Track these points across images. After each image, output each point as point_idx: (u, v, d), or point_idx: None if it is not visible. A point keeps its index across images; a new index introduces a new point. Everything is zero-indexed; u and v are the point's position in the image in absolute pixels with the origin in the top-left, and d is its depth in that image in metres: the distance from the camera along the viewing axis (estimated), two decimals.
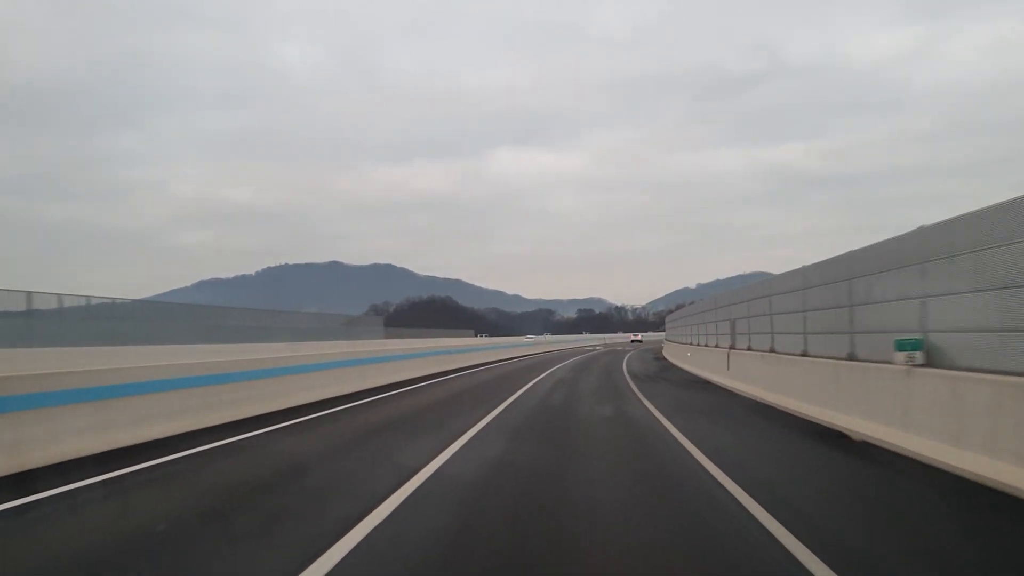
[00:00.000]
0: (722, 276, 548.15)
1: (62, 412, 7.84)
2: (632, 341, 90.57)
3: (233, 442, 9.30)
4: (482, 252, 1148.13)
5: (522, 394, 16.70)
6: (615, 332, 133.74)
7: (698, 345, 27.97)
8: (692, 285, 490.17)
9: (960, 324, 7.49)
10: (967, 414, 6.71)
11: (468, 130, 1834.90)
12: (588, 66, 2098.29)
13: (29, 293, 16.03)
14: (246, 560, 4.52)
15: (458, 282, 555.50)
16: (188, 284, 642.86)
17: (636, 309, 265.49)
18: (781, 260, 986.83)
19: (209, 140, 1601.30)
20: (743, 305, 18.59)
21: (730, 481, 6.42)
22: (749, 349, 17.52)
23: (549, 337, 74.68)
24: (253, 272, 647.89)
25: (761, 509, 5.37)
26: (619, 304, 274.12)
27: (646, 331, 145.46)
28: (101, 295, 25.03)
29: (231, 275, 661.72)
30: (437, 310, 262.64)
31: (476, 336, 79.38)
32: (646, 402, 14.53)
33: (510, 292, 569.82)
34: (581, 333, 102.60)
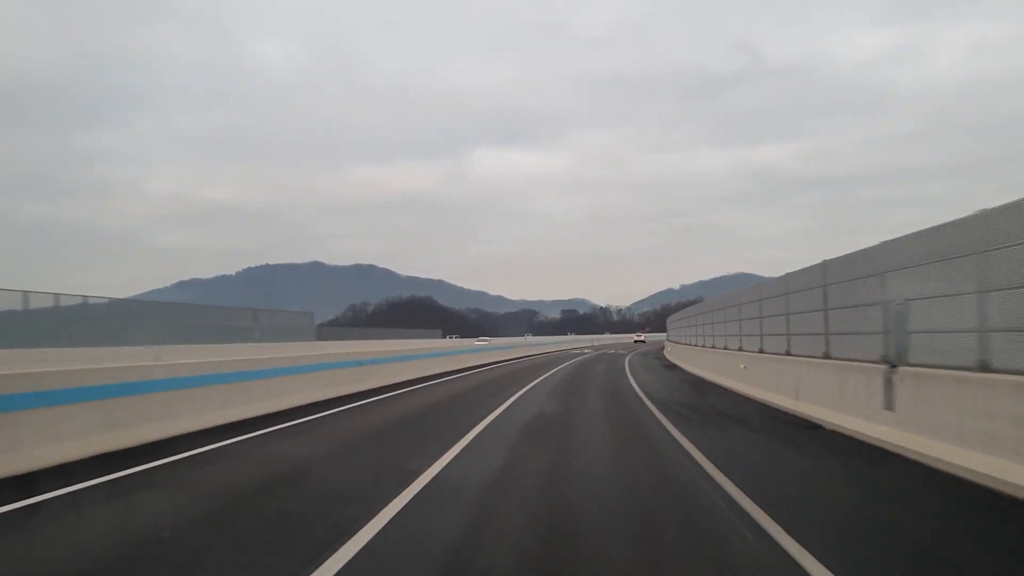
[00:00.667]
0: (706, 277, 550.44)
1: None
2: (635, 341, 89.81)
3: None
4: (465, 253, 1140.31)
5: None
6: (601, 333, 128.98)
7: (721, 349, 23.50)
8: (676, 286, 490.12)
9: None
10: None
11: (451, 129, 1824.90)
12: (571, 65, 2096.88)
13: None
14: None
15: (440, 283, 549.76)
16: (168, 284, 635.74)
17: (621, 310, 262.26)
18: (764, 262, 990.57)
19: (188, 139, 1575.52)
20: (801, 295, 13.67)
21: None
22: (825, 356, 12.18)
23: (531, 339, 69.73)
24: (233, 272, 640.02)
25: None
26: (603, 305, 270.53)
27: (631, 332, 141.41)
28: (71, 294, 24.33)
29: (211, 275, 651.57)
30: (416, 311, 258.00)
31: (447, 338, 74.31)
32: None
33: (493, 293, 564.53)
34: (566, 334, 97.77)
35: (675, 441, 9.14)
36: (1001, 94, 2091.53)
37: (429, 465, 7.30)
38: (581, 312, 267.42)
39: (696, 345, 30.56)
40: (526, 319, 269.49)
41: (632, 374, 25.14)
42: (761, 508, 5.49)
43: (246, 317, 35.30)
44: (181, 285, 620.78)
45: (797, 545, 4.54)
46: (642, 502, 6.08)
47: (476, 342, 55.02)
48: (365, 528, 4.96)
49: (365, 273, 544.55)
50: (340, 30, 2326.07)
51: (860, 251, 10.57)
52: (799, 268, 13.87)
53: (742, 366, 17.00)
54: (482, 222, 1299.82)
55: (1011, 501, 5.75)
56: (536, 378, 22.62)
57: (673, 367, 30.66)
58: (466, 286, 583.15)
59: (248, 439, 9.43)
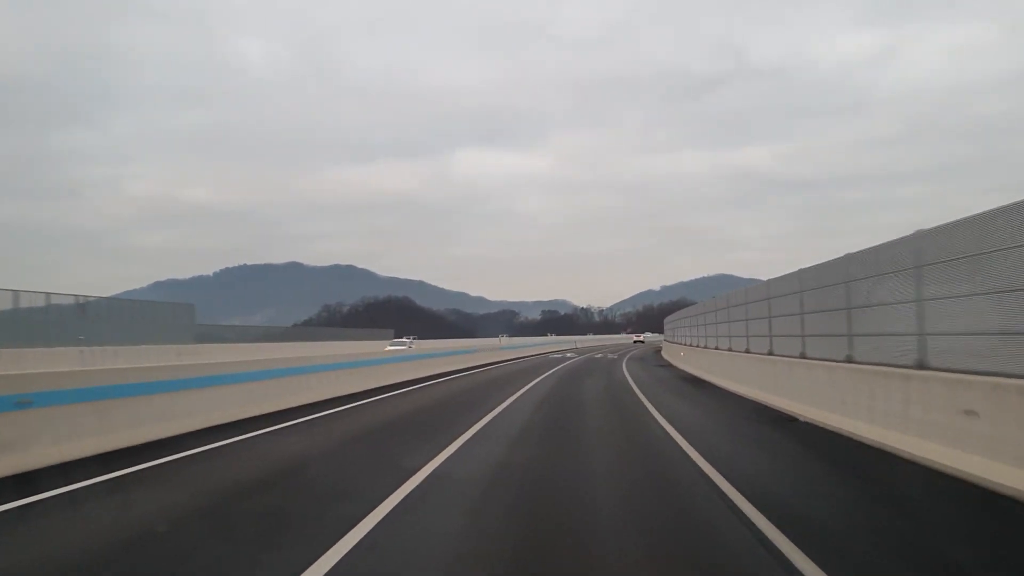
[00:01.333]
0: (686, 279, 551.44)
1: None
2: (635, 342, 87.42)
3: None
4: (446, 254, 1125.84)
5: None
6: (584, 334, 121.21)
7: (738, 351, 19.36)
8: (657, 287, 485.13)
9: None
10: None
11: (432, 129, 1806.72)
12: (553, 66, 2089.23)
13: None
14: None
15: (420, 283, 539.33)
16: (144, 285, 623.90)
17: (603, 311, 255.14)
18: (745, 263, 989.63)
19: (165, 138, 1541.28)
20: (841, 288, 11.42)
21: None
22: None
23: (506, 340, 61.11)
24: (211, 273, 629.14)
25: None
26: (584, 306, 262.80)
27: (613, 333, 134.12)
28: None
29: (188, 276, 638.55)
30: (393, 311, 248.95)
31: (408, 339, 65.30)
32: None
33: (474, 294, 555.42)
34: (546, 335, 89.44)
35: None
36: (981, 97, 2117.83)
37: None
38: (562, 313, 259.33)
39: (698, 346, 29.67)
40: (506, 320, 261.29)
41: (659, 407, 15.40)
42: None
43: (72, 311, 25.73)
44: (158, 285, 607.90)
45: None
46: None
47: (388, 346, 41.90)
48: None
49: (344, 274, 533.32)
50: (321, 28, 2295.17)
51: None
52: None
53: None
54: (463, 223, 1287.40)
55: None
56: (525, 386, 19.26)
57: (700, 381, 21.79)
58: (447, 287, 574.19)
59: None
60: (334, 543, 4.63)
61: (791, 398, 12.07)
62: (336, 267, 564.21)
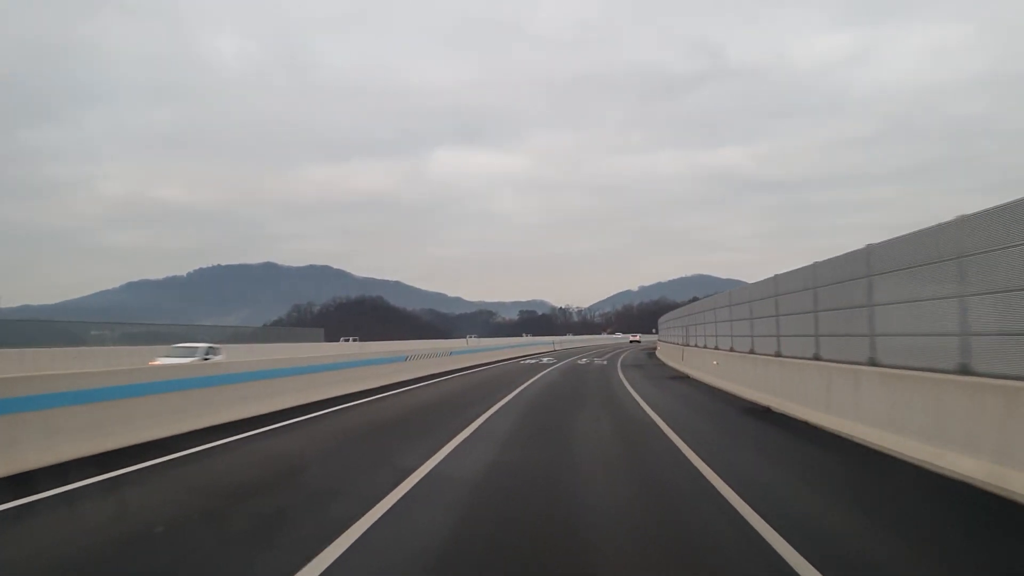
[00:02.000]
0: (663, 279, 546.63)
1: None
2: (631, 341, 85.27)
3: None
4: (424, 254, 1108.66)
5: None
6: (563, 334, 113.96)
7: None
8: (634, 288, 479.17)
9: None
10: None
11: (408, 128, 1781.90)
12: (530, 65, 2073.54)
13: None
14: None
15: (397, 284, 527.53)
16: (116, 285, 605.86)
17: (581, 310, 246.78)
18: (722, 264, 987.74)
19: (137, 136, 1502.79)
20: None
21: None
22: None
23: (474, 342, 51.86)
24: (184, 273, 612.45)
25: None
26: (562, 306, 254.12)
27: (593, 333, 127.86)
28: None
29: (161, 276, 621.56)
30: (366, 312, 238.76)
31: (349, 341, 55.67)
32: None
33: (451, 294, 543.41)
34: (521, 335, 79.85)
35: None
36: (955, 98, 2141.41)
37: None
38: (540, 313, 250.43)
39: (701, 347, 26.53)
40: (482, 320, 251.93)
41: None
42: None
43: None
44: (130, 286, 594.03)
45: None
46: None
47: (161, 359, 23.08)
48: None
49: (320, 274, 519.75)
50: (295, 25, 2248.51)
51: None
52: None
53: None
54: (441, 223, 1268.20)
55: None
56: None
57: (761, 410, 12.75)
58: (424, 287, 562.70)
59: None
60: None
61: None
62: (311, 267, 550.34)
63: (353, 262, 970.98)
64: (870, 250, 9.44)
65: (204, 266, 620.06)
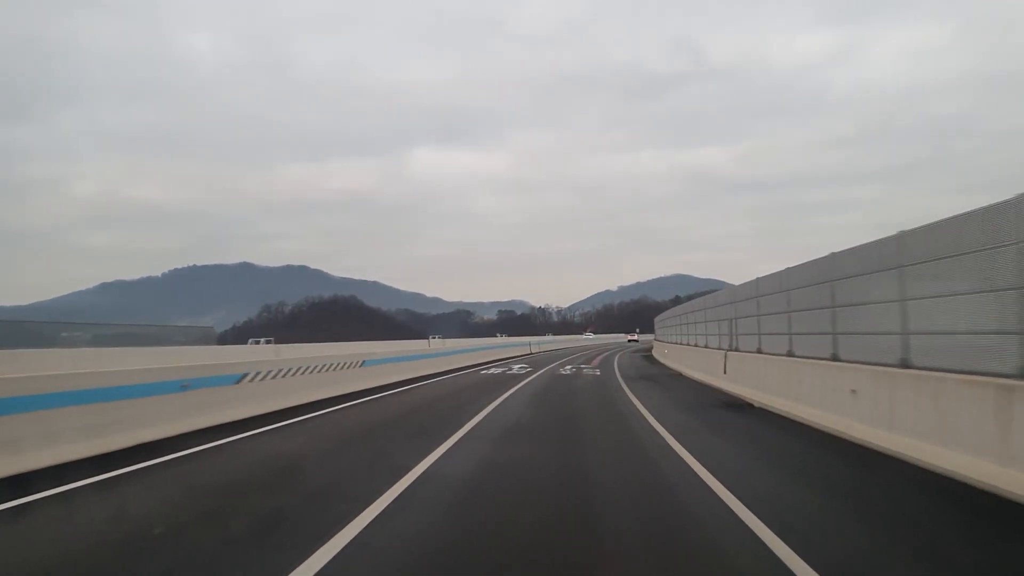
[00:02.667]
0: (643, 279, 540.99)
1: None
2: (629, 341, 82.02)
3: None
4: (403, 254, 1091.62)
5: None
6: (543, 335, 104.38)
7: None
8: (614, 287, 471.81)
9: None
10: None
11: (388, 127, 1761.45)
12: (512, 64, 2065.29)
13: None
14: None
15: (375, 284, 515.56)
16: (90, 286, 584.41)
17: (561, 310, 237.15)
18: (701, 263, 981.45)
19: (113, 135, 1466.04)
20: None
21: None
22: None
23: (438, 343, 41.62)
24: (159, 274, 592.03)
25: None
26: (541, 306, 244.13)
27: (574, 333, 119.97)
28: None
29: (136, 277, 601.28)
30: (339, 312, 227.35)
31: (260, 343, 44.61)
32: None
33: (430, 295, 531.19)
34: (496, 335, 69.92)
35: None
36: (934, 98, 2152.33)
37: None
38: (519, 313, 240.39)
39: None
40: (460, 320, 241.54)
41: None
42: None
43: None
44: (105, 287, 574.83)
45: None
46: None
47: None
48: None
49: (296, 274, 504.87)
50: (273, 22, 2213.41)
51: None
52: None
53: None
54: (421, 223, 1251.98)
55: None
56: None
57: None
58: (402, 287, 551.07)
59: None
60: None
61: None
62: (288, 267, 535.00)
63: (331, 262, 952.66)
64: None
65: (179, 266, 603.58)
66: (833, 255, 10.48)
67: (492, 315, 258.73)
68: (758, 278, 15.54)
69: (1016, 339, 6.08)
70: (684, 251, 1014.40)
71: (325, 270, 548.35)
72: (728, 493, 5.52)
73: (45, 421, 7.21)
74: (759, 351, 14.85)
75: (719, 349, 19.00)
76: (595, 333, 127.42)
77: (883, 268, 8.67)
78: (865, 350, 9.13)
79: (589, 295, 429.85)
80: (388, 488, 5.74)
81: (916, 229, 7.92)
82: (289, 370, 13.60)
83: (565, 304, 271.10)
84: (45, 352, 19.81)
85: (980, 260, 6.60)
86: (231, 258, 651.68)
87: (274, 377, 12.71)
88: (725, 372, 16.70)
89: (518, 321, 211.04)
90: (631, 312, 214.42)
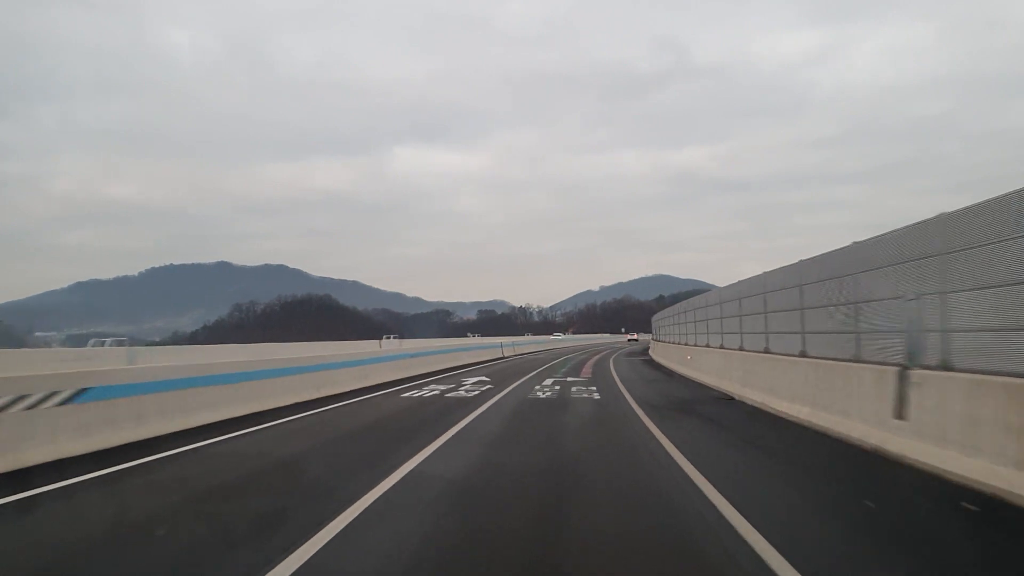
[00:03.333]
0: (625, 279, 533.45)
1: None
2: (629, 340, 79.78)
3: None
4: (384, 254, 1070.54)
5: None
6: (521, 334, 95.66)
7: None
8: (595, 288, 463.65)
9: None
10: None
11: (369, 126, 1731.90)
12: (494, 62, 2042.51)
13: None
14: None
15: (355, 283, 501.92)
16: (64, 285, 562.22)
17: (542, 310, 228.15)
18: (683, 264, 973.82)
19: (89, 132, 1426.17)
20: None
21: None
22: None
23: (391, 344, 33.16)
24: (136, 273, 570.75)
25: None
26: (522, 305, 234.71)
27: (552, 333, 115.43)
28: None
29: (112, 276, 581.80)
30: (313, 311, 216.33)
31: (106, 345, 34.81)
32: None
33: (410, 294, 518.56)
34: (467, 336, 60.21)
35: None
36: (917, 98, 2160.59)
37: None
38: (499, 313, 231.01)
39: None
40: (439, 320, 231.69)
41: None
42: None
43: None
44: (79, 286, 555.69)
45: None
46: None
47: None
48: None
49: (275, 273, 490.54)
50: (253, 19, 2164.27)
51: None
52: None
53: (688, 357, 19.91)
54: (402, 222, 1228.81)
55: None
56: None
57: None
58: (383, 287, 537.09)
59: None
60: None
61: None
62: (267, 267, 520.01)
63: (310, 262, 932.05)
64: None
65: (156, 265, 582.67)
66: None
67: (472, 315, 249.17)
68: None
69: None
70: (666, 251, 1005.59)
71: (304, 270, 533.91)
72: None
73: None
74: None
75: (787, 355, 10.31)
76: (576, 333, 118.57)
77: None
78: None
79: (571, 295, 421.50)
80: None
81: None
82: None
83: (548, 304, 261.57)
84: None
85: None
86: (209, 257, 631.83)
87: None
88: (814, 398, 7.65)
89: (498, 321, 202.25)
90: (614, 312, 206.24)
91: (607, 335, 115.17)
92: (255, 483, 6.09)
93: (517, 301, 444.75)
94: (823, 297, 10.08)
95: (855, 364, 8.22)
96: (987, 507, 4.79)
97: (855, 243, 9.08)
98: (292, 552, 3.94)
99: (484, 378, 18.87)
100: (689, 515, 4.66)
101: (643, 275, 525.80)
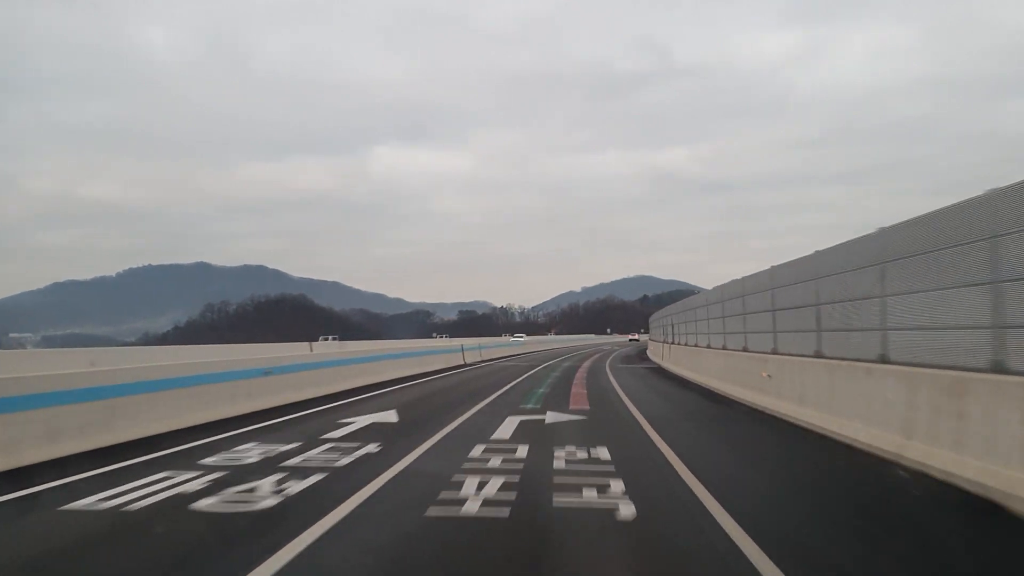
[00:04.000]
0: (606, 280, 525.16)
1: None
2: (630, 340, 78.79)
3: None
4: (365, 254, 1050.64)
5: None
6: (499, 335, 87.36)
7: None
8: (578, 288, 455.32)
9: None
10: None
11: (350, 125, 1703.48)
12: (476, 61, 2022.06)
13: None
14: None
15: (335, 284, 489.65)
16: (41, 286, 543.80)
17: (524, 310, 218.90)
18: (664, 265, 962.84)
19: (65, 131, 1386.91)
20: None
21: None
22: None
23: (327, 348, 25.15)
24: (114, 274, 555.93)
25: None
26: (503, 305, 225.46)
27: (538, 333, 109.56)
28: None
29: (89, 277, 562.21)
30: (287, 311, 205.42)
31: None
32: None
33: (391, 295, 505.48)
34: (433, 336, 51.29)
35: None
36: (897, 100, 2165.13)
37: None
38: (480, 313, 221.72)
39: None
40: (419, 321, 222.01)
41: None
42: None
43: None
44: (56, 287, 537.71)
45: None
46: None
47: None
48: None
49: (255, 274, 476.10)
50: (230, 16, 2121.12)
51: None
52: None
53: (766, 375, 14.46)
54: (385, 223, 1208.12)
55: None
56: None
57: None
58: (364, 288, 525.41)
59: None
60: None
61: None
62: (246, 267, 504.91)
63: (291, 262, 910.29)
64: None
65: (134, 266, 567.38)
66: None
67: (453, 315, 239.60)
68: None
69: None
70: (648, 252, 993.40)
71: (284, 270, 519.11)
72: None
73: None
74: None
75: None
76: (559, 334, 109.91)
77: None
78: None
79: (553, 296, 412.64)
80: None
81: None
82: None
83: (530, 304, 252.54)
84: None
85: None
86: (188, 258, 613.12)
87: None
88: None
89: (479, 321, 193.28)
90: (597, 312, 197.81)
91: (592, 336, 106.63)
92: None
93: (499, 302, 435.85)
94: None
95: None
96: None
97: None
98: None
99: (388, 418, 9.82)
100: None
101: (625, 276, 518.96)
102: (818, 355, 9.22)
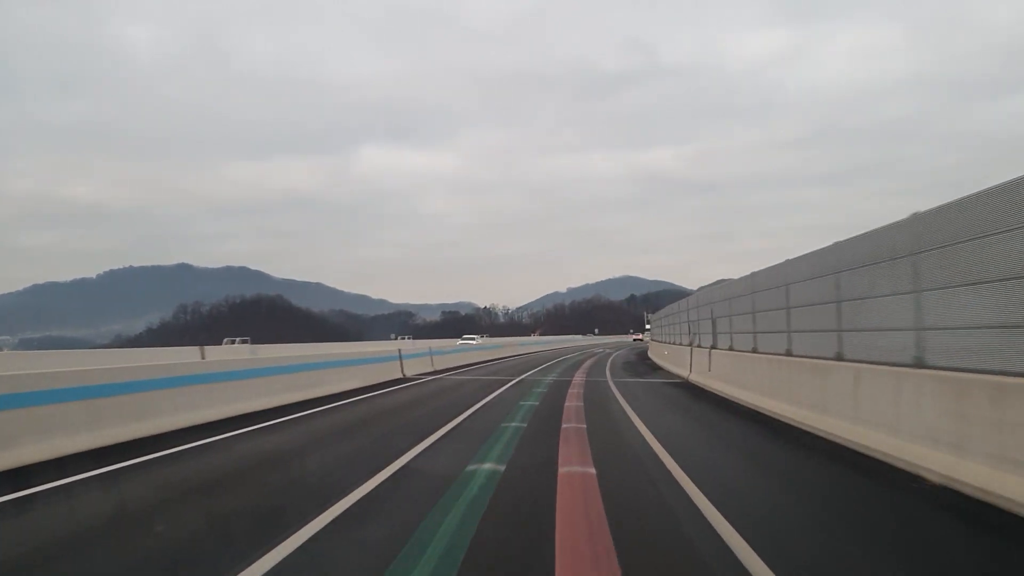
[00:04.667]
0: (592, 280, 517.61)
1: None
2: (635, 340, 78.45)
3: None
4: (349, 255, 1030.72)
5: None
6: (481, 335, 79.13)
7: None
8: (563, 289, 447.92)
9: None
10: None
11: (334, 125, 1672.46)
12: (463, 60, 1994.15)
13: None
14: None
15: (318, 285, 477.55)
16: (20, 288, 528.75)
17: (509, 311, 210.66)
18: (650, 265, 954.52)
19: (45, 131, 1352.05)
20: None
21: None
22: None
23: (238, 353, 18.07)
24: (94, 275, 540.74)
25: None
26: (486, 306, 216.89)
27: (522, 334, 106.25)
28: None
29: (70, 278, 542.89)
30: (263, 312, 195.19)
31: None
32: None
33: (375, 296, 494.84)
34: (394, 337, 42.83)
35: None
36: (883, 100, 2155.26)
37: None
38: (464, 314, 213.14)
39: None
40: (401, 322, 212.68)
41: None
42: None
43: None
44: (35, 289, 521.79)
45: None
46: None
47: None
48: None
49: (237, 275, 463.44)
50: (213, 14, 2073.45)
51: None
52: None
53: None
54: (369, 224, 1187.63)
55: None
56: None
57: None
58: (348, 289, 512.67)
59: None
60: None
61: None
62: (228, 269, 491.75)
63: (273, 263, 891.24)
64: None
65: (115, 267, 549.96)
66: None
67: (436, 316, 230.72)
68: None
69: None
70: (633, 253, 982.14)
71: (267, 271, 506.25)
72: None
73: None
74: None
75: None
76: (543, 335, 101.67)
77: None
78: None
79: (539, 296, 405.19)
80: None
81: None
82: None
83: (515, 305, 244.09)
84: None
85: None
86: (169, 259, 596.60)
87: None
88: None
89: (462, 322, 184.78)
90: (583, 312, 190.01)
91: (579, 336, 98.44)
92: None
93: (483, 301, 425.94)
94: None
95: None
96: None
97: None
98: None
99: None
100: None
101: (611, 276, 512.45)
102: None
